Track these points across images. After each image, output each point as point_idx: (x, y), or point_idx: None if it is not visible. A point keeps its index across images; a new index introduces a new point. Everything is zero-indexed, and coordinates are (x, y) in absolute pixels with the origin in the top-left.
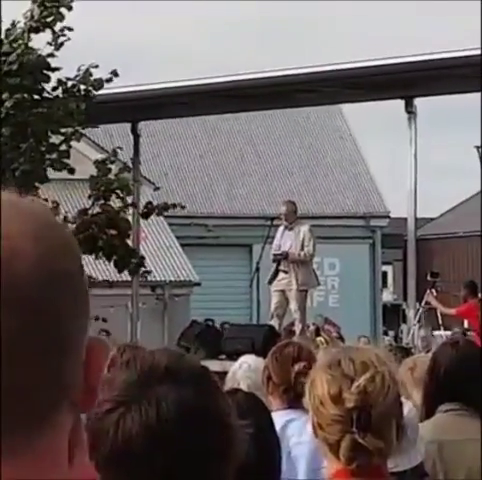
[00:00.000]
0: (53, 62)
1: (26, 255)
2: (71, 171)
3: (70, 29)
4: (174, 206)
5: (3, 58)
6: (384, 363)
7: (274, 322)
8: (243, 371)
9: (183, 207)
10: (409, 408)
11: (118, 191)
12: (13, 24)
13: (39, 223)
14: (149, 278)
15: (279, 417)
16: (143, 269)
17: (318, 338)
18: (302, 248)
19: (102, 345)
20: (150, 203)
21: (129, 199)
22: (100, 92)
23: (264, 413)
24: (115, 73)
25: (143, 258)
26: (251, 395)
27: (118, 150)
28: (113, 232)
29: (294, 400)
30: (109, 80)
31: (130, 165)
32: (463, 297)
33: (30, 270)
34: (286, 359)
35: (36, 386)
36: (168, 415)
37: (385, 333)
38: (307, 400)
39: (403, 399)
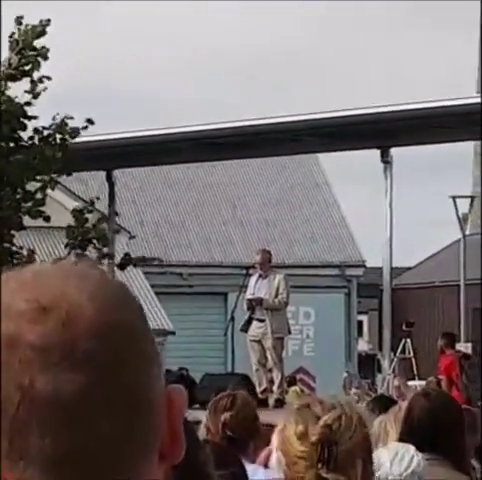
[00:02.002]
0: (30, 110)
1: (84, 312)
2: (47, 219)
3: (48, 78)
4: (152, 260)
5: None
6: (354, 408)
7: (258, 374)
8: None
9: (160, 261)
10: (418, 460)
11: (95, 241)
12: None
13: (93, 282)
14: None
15: None
16: None
17: (292, 388)
18: (276, 295)
19: (179, 392)
20: (127, 254)
21: (105, 249)
22: (75, 140)
23: (237, 464)
24: (90, 121)
25: None
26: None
27: (95, 200)
28: None
29: None
30: (85, 128)
31: (107, 214)
32: (440, 348)
33: (90, 326)
34: (219, 410)
35: (115, 441)
36: None
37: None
38: (275, 443)
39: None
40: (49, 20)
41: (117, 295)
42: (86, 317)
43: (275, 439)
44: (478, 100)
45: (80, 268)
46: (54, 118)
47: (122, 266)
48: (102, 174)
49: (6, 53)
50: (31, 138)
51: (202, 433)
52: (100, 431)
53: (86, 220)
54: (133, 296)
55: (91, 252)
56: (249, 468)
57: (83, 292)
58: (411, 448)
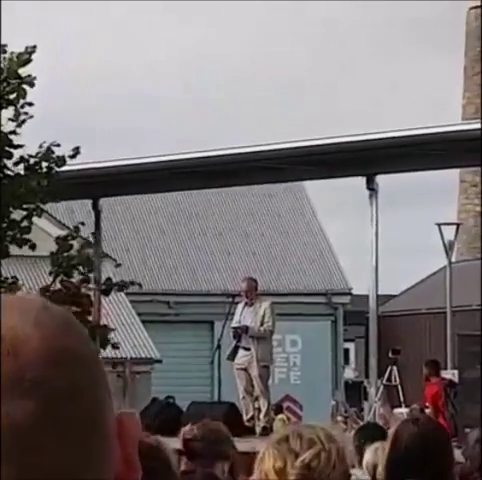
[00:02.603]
0: (15, 139)
1: (29, 341)
2: (32, 247)
3: (30, 104)
4: (132, 284)
5: None
6: (333, 441)
7: (245, 402)
8: None
9: (139, 285)
10: None
11: (80, 267)
12: None
13: (36, 310)
14: (109, 355)
15: None
16: (112, 342)
17: (279, 416)
18: (262, 324)
19: (132, 417)
20: (109, 279)
21: (91, 275)
22: (61, 169)
23: None
24: (77, 150)
25: (111, 330)
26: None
27: (80, 226)
28: (75, 309)
29: None
30: (72, 156)
31: (92, 241)
32: (425, 376)
33: (36, 353)
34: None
35: (69, 467)
36: None
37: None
38: (255, 474)
39: None
40: (35, 46)
41: (61, 321)
42: (31, 345)
43: (255, 469)
44: (462, 127)
45: (21, 298)
46: (41, 146)
47: (106, 291)
48: (88, 203)
49: None
50: (16, 164)
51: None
52: (54, 458)
53: (70, 246)
54: (77, 322)
55: (76, 278)
56: None
57: (26, 321)
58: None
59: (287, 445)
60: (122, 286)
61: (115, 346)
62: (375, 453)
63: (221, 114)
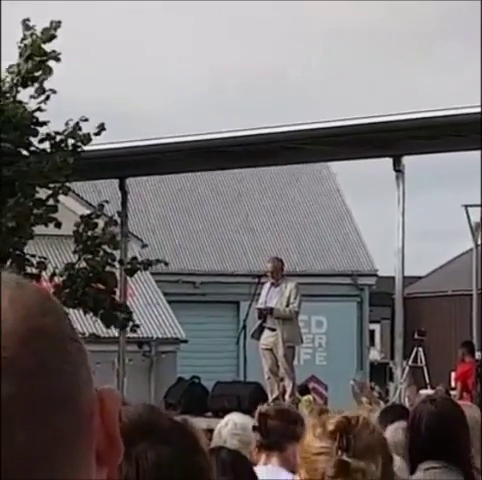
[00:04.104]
0: (40, 116)
1: (4, 320)
2: (58, 225)
3: (53, 91)
4: (158, 261)
5: None
6: (372, 422)
7: (270, 382)
8: (229, 429)
9: (166, 263)
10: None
11: (105, 246)
12: None
13: (10, 287)
14: (136, 335)
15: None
16: (131, 323)
17: (305, 397)
18: (287, 305)
19: (113, 394)
20: (134, 258)
21: (116, 254)
22: (89, 148)
23: (246, 470)
24: (102, 127)
25: (131, 312)
26: (235, 452)
27: (105, 204)
28: (100, 286)
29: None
30: (97, 134)
31: (116, 219)
32: (461, 356)
33: (10, 332)
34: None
35: (45, 446)
36: (147, 472)
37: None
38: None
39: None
40: (59, 22)
41: (36, 299)
42: (6, 324)
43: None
44: None
45: None
46: (67, 123)
47: (131, 271)
48: (115, 182)
49: (16, 59)
50: (41, 141)
51: (244, 438)
52: (21, 441)
53: (95, 225)
54: (54, 300)
55: (103, 258)
56: (273, 470)
57: (1, 299)
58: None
59: (327, 415)
60: (147, 264)
61: (133, 327)
62: (395, 433)
63: (243, 94)
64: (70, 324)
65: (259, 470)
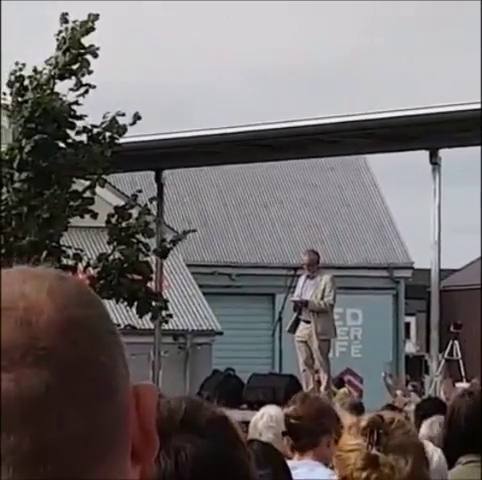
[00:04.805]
0: (77, 109)
1: (43, 310)
2: (94, 216)
3: (93, 86)
4: (184, 233)
5: (26, 105)
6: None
7: (305, 374)
8: (264, 421)
9: (194, 230)
10: (438, 456)
11: (139, 236)
12: (35, 70)
13: (51, 280)
14: (171, 326)
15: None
16: (165, 312)
17: (341, 390)
18: (322, 297)
19: (150, 389)
20: (163, 240)
21: (151, 244)
22: (125, 140)
23: (280, 463)
24: (138, 116)
25: (166, 301)
26: (268, 445)
27: (138, 194)
28: (135, 276)
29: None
30: (133, 124)
31: (150, 208)
32: None
33: (49, 322)
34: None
35: (82, 437)
36: (186, 465)
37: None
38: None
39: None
40: (98, 15)
41: (76, 291)
42: (45, 315)
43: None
44: None
45: (37, 269)
46: (105, 116)
47: (162, 253)
48: (151, 175)
49: (53, 51)
50: (78, 133)
51: (278, 431)
52: (66, 427)
53: (129, 215)
54: (93, 292)
55: (135, 247)
56: (310, 464)
57: (41, 291)
58: (429, 444)
59: (366, 416)
60: (177, 239)
61: (165, 318)
62: (430, 427)
63: (279, 87)
64: (108, 317)
65: (295, 465)
